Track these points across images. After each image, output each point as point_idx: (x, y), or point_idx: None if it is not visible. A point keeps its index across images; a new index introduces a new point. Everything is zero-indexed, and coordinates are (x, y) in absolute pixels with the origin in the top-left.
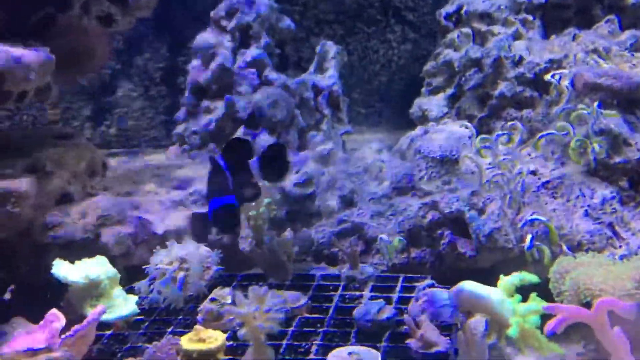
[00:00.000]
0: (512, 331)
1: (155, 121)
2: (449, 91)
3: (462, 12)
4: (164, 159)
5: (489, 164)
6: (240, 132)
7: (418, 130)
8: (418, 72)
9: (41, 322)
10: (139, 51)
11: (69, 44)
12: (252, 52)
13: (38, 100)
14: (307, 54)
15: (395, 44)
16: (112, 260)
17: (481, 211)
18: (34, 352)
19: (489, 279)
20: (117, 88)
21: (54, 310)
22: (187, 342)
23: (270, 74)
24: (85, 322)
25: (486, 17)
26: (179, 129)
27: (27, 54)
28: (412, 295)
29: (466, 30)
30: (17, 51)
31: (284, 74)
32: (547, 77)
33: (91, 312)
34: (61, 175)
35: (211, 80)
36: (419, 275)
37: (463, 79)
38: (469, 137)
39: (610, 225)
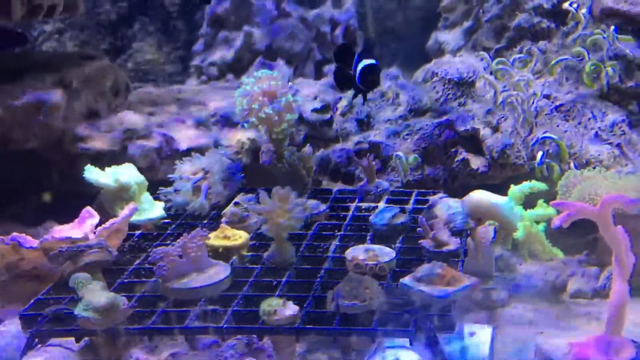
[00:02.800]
0: (518, 234)
1: (172, 56)
2: (466, 24)
3: None
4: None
5: (504, 86)
6: (257, 62)
7: (433, 63)
8: (434, 12)
9: (76, 219)
10: None
11: None
12: None
13: (66, 15)
14: None
15: None
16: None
17: (495, 129)
18: (72, 240)
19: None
20: (134, 22)
21: (89, 208)
22: (213, 238)
23: (288, 5)
24: (120, 216)
25: None
26: (197, 60)
27: None
28: (426, 207)
29: None
30: None
31: (302, 6)
32: (566, 5)
33: (125, 209)
34: (88, 93)
35: (229, 11)
36: (432, 191)
37: (481, 11)
38: (484, 68)
39: (619, 145)
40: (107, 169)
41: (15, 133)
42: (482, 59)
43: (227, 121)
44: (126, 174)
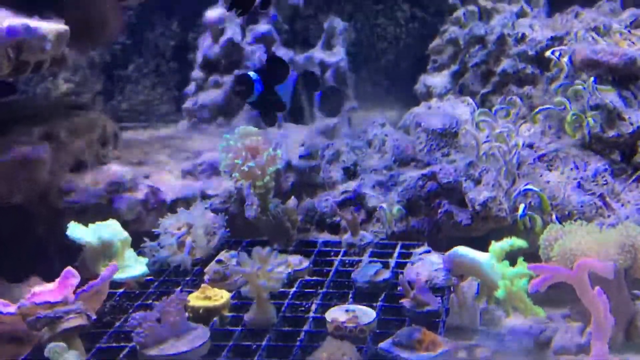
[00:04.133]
0: (499, 293)
1: (166, 97)
2: (453, 68)
3: None
4: (174, 132)
5: (487, 136)
6: (247, 107)
7: (422, 106)
8: (425, 50)
9: (58, 279)
10: (151, 27)
11: (83, 14)
12: (261, 27)
13: (54, 69)
14: (315, 31)
15: (403, 22)
16: (124, 225)
17: (477, 182)
18: (51, 304)
19: (483, 247)
20: (128, 63)
21: (70, 268)
22: (194, 299)
23: (278, 49)
24: (99, 278)
25: None
26: (189, 103)
27: (44, 26)
28: (409, 260)
29: (472, 7)
30: (34, 22)
31: (292, 50)
32: (548, 53)
33: (105, 269)
34: (75, 144)
35: (220, 55)
36: (416, 243)
37: (467, 55)
38: (471, 112)
39: (601, 196)
40: (90, 225)
41: (1, 188)
42: (467, 104)
43: (214, 169)
44: (110, 230)
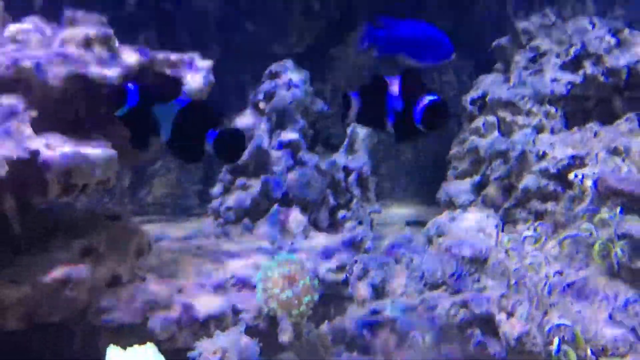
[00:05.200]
0: None
1: (190, 190)
2: (476, 178)
3: (487, 99)
4: (200, 231)
5: (515, 264)
6: (274, 209)
7: (445, 216)
8: (442, 150)
9: None
10: None
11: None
12: (288, 135)
13: (99, 188)
14: (336, 130)
15: None
16: (157, 343)
17: (510, 314)
18: None
19: None
20: (156, 160)
21: None
22: None
23: (304, 155)
24: None
25: (510, 105)
26: (215, 203)
27: (94, 152)
28: None
29: (491, 118)
30: (85, 149)
31: (315, 149)
32: (571, 176)
33: None
34: (112, 258)
35: (248, 159)
36: None
37: (489, 169)
38: (495, 226)
39: (633, 329)
40: (128, 349)
41: (41, 309)
42: (491, 218)
43: (244, 284)
44: (147, 355)
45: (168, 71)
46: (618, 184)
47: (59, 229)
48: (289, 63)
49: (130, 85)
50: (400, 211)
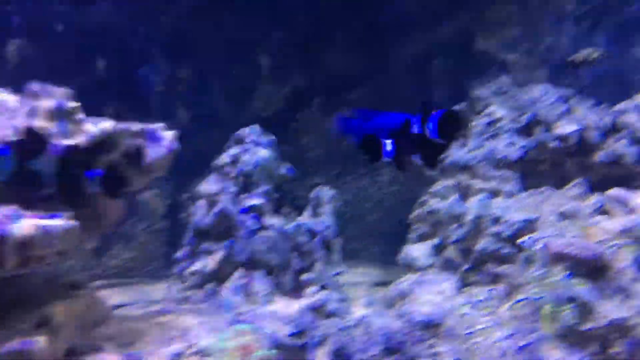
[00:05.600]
0: None
1: (156, 254)
2: (435, 241)
3: (447, 162)
4: (164, 295)
5: (469, 329)
6: (237, 275)
7: (406, 280)
8: (406, 212)
9: None
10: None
11: (90, 207)
12: (253, 199)
13: (57, 260)
14: (303, 192)
15: (386, 185)
16: None
17: None
18: None
19: None
20: (122, 223)
21: None
22: None
23: (269, 219)
24: None
25: (468, 169)
26: (179, 267)
27: (53, 224)
28: None
29: (450, 182)
30: (44, 221)
31: (281, 211)
32: (521, 240)
33: None
34: (69, 328)
35: (213, 223)
36: None
37: (447, 231)
38: (452, 290)
39: None
40: None
41: None
42: (449, 282)
43: (204, 354)
44: None
45: (130, 141)
46: (565, 248)
47: (17, 300)
48: (254, 128)
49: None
50: (367, 272)
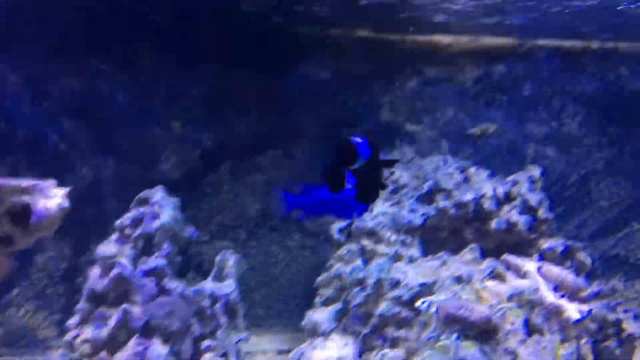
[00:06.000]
0: None
1: (48, 321)
2: (338, 305)
3: (353, 227)
4: None
5: None
6: (132, 343)
7: (307, 345)
8: (315, 276)
9: None
10: (41, 249)
11: None
12: (153, 261)
13: None
14: (210, 256)
15: (295, 249)
16: None
17: None
18: None
19: None
20: (12, 287)
21: None
22: None
23: (169, 283)
24: None
25: (372, 234)
26: (70, 336)
27: None
28: None
29: (354, 247)
30: None
31: (186, 276)
32: (417, 304)
33: None
34: None
35: (108, 288)
36: None
37: (349, 296)
38: (352, 356)
39: None
40: None
41: None
42: (348, 346)
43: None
44: None
45: (17, 198)
46: (456, 311)
47: None
48: (158, 190)
49: None
50: (274, 339)
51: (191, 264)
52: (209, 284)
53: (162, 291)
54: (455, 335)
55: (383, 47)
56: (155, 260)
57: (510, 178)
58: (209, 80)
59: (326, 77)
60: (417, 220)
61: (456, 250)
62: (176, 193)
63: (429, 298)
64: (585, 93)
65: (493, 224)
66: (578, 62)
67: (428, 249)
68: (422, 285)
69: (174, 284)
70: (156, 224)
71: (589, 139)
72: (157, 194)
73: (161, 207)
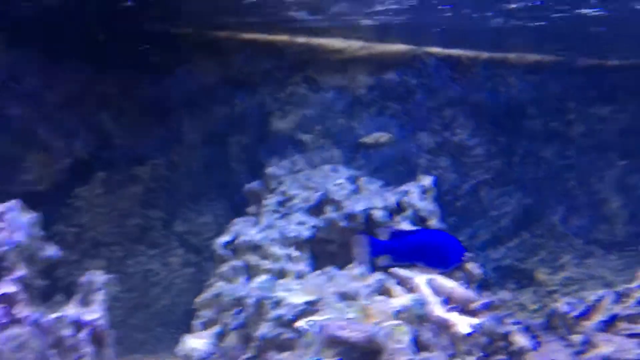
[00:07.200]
0: None
1: None
2: (217, 328)
3: (238, 242)
4: None
5: None
6: None
7: None
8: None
9: None
10: None
11: None
12: (3, 287)
13: None
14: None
15: (178, 267)
16: None
17: None
18: None
19: None
20: None
21: None
22: None
23: (22, 310)
24: None
25: (258, 249)
26: None
27: None
28: None
29: (238, 263)
30: None
31: (50, 301)
32: (299, 324)
33: None
34: None
35: None
36: None
37: (229, 317)
38: None
39: None
40: None
41: None
42: None
43: None
44: None
45: None
46: (338, 331)
47: None
48: (13, 204)
49: None
50: None
51: (58, 287)
52: (71, 310)
53: (13, 321)
54: (337, 358)
55: (272, 51)
56: (5, 286)
57: (402, 188)
58: (79, 81)
59: (212, 82)
60: (306, 233)
61: (348, 263)
62: (39, 207)
63: (312, 317)
64: (475, 103)
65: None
66: (468, 72)
67: (318, 264)
68: (306, 303)
69: (26, 312)
70: (8, 243)
71: (480, 148)
72: (11, 208)
73: (14, 224)
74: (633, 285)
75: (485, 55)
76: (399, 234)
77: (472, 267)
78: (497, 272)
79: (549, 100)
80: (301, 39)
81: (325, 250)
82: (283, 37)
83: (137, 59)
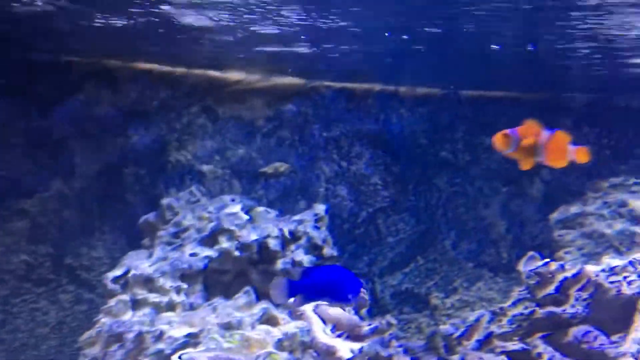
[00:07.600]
0: None
1: None
2: None
3: (129, 275)
4: None
5: None
6: None
7: None
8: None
9: None
10: None
11: None
12: None
13: None
14: None
15: (68, 304)
16: None
17: None
18: None
19: None
20: None
21: None
22: None
23: None
24: None
25: (149, 282)
26: None
27: None
28: None
29: (125, 297)
30: None
31: None
32: (174, 358)
33: None
34: None
35: None
36: None
37: (108, 354)
38: None
39: None
40: None
41: None
42: None
43: None
44: None
45: None
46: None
47: None
48: None
49: None
50: None
51: None
52: None
53: None
54: None
55: (169, 81)
56: None
57: (297, 217)
58: None
59: (106, 111)
60: (199, 264)
61: None
62: None
63: (188, 350)
64: (369, 133)
65: (279, 264)
66: (362, 103)
67: (212, 294)
68: (189, 335)
69: None
70: None
71: (375, 177)
72: None
73: None
74: (507, 304)
75: (377, 87)
76: (307, 272)
77: (362, 294)
78: (394, 299)
79: (438, 130)
80: (199, 70)
81: (219, 281)
82: (180, 68)
83: (24, 89)
